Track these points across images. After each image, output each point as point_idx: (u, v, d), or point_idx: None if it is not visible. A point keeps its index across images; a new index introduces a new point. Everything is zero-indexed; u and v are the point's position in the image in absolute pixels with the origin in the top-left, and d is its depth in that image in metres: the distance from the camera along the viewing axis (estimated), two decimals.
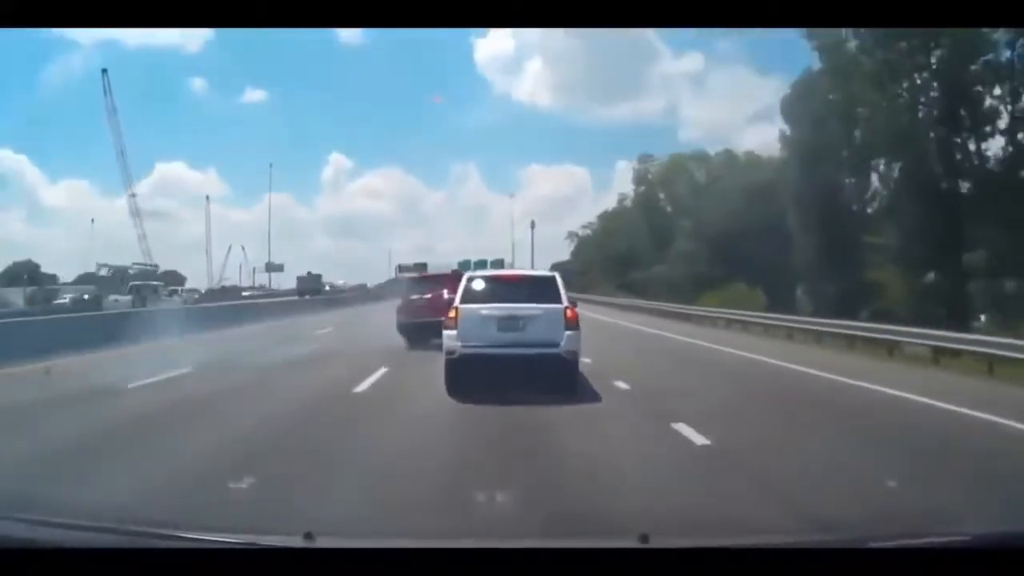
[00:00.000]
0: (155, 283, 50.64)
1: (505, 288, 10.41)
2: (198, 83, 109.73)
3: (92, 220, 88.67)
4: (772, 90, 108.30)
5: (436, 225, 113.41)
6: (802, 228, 30.86)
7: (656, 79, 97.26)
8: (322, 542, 2.10)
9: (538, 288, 10.27)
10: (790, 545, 2.24)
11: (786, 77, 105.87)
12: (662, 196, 50.41)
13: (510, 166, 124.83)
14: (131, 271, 54.42)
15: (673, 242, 43.52)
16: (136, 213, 67.26)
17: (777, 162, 35.24)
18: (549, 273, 11.38)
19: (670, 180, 47.98)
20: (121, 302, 41.15)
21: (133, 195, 68.41)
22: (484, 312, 9.68)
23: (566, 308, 9.81)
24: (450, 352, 9.60)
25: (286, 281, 65.30)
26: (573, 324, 9.69)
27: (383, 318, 18.98)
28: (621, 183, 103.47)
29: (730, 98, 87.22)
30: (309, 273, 58.68)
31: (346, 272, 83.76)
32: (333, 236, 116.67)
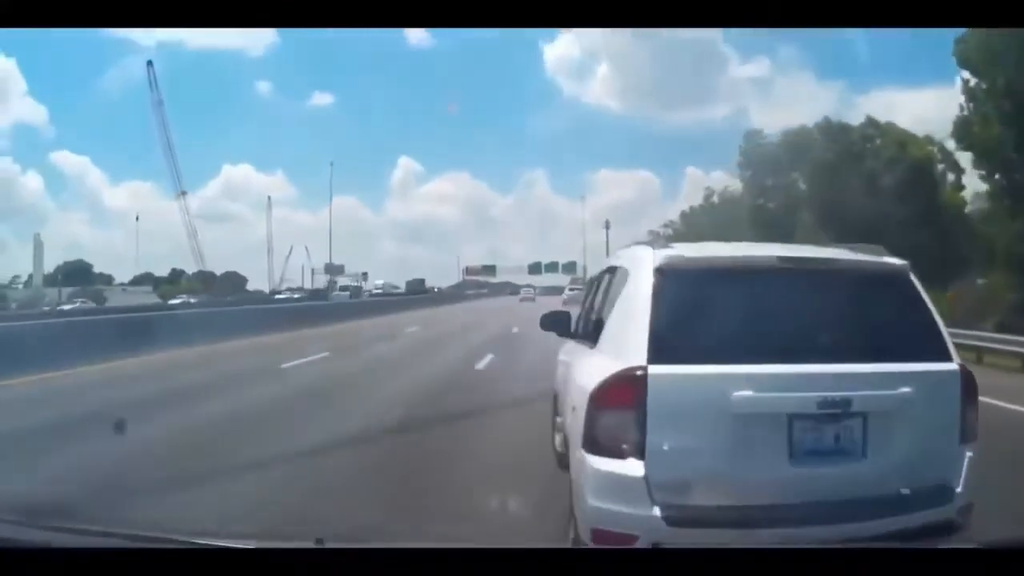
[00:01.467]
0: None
1: (775, 302, 3.22)
2: (264, 87, 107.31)
3: (136, 217, 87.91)
4: (836, 92, 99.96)
5: (504, 230, 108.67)
6: (1009, 212, 21.89)
7: (724, 84, 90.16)
8: (332, 545, 2.06)
9: (869, 307, 3.36)
10: (797, 547, 2.10)
11: (848, 80, 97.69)
12: (770, 183, 41.34)
13: (578, 171, 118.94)
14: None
15: (792, 237, 34.70)
16: (185, 210, 65.62)
17: (953, 125, 26.07)
18: (893, 260, 3.46)
19: (787, 161, 38.86)
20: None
21: (183, 192, 66.44)
22: (741, 396, 2.85)
23: (962, 369, 3.19)
24: (620, 532, 2.66)
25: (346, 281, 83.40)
26: (972, 419, 3.20)
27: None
28: (693, 187, 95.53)
29: (796, 103, 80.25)
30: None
31: (413, 275, 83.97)
32: (399, 240, 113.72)
